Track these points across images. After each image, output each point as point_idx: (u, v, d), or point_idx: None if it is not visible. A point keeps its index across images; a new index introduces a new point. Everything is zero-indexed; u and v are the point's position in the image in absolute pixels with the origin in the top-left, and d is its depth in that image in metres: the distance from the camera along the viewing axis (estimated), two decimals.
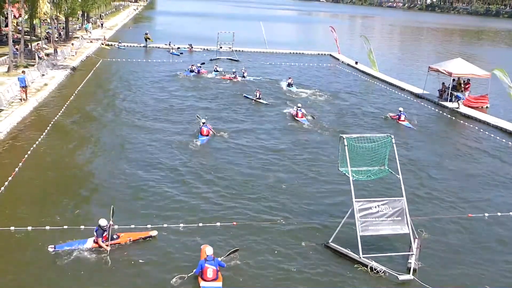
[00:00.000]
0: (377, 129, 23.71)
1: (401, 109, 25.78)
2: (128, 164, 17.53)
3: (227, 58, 43.58)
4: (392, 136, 12.97)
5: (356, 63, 44.38)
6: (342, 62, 46.39)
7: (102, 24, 66.41)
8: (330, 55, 50.81)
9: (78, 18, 63.12)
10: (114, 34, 59.73)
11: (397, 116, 25.41)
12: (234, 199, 15.21)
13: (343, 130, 22.65)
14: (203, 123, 20.86)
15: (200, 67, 36.57)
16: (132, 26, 73.53)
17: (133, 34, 58.89)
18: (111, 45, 49.42)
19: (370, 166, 13.02)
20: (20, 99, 24.78)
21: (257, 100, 27.69)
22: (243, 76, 34.71)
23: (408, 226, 12.36)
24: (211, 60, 42.43)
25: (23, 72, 26.12)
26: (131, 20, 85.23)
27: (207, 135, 20.50)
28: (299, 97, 29.86)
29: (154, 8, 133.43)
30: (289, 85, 32.42)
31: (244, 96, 28.63)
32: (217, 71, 36.57)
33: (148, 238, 12.55)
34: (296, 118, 24.43)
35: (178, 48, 48.41)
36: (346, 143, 12.46)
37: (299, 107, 25.00)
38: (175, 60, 42.27)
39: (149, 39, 50.02)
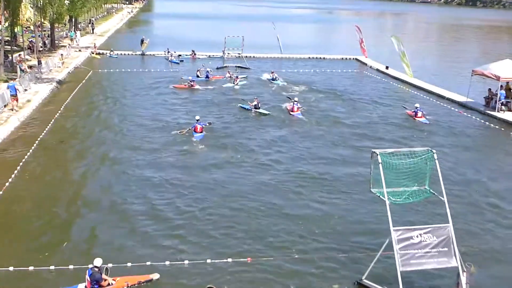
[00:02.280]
0: (396, 132, 25.65)
1: (417, 105, 28.55)
2: (121, 189, 17.68)
3: (236, 66, 43.89)
4: (434, 151, 12.81)
5: (387, 68, 44.39)
6: (371, 67, 46.53)
7: (93, 29, 67.45)
8: (356, 59, 50.96)
9: (65, 24, 64.24)
10: (106, 41, 60.66)
11: (414, 113, 27.90)
12: (245, 228, 15.16)
13: (368, 140, 23.60)
14: (197, 120, 23.60)
15: (208, 71, 37.90)
16: (127, 32, 74.60)
17: (127, 41, 59.73)
18: (102, 53, 50.21)
19: (408, 186, 12.86)
20: (11, 109, 26.69)
21: (256, 110, 28.45)
22: (233, 82, 35.68)
23: (456, 258, 12.11)
24: (217, 68, 42.86)
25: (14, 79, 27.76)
26: (125, 24, 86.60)
27: (201, 132, 23.34)
28: (290, 93, 32.77)
29: (151, 11, 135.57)
30: (273, 79, 36.84)
31: (240, 106, 29.45)
32: (229, 76, 38.02)
33: (148, 282, 12.43)
34: (291, 112, 27.79)
35: (179, 55, 48.92)
36: (380, 160, 12.34)
37: (295, 101, 28.37)
38: (175, 69, 42.69)
39: (145, 42, 50.65)
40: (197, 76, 37.80)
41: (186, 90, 34.10)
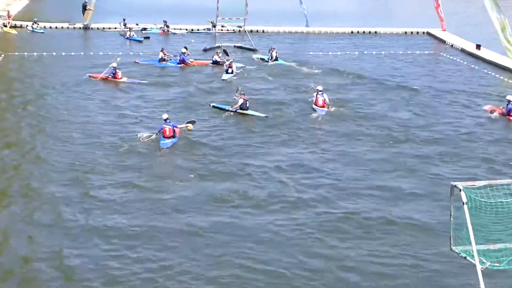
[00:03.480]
0: (489, 148, 25.54)
1: (510, 97, 29.38)
2: (30, 246, 17.61)
3: (235, 46, 43.92)
4: None
5: (478, 47, 44.47)
6: (452, 45, 46.79)
7: None
8: (428, 33, 51.39)
9: None
10: (26, 7, 61.19)
11: (506, 110, 29.07)
12: None
13: (446, 162, 23.77)
14: (165, 119, 25.32)
15: (184, 53, 38.70)
16: None
17: (60, 7, 60.03)
18: (21, 26, 50.57)
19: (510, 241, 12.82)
20: None
21: (242, 111, 28.94)
22: (229, 72, 36.18)
23: None
24: (205, 50, 43.35)
25: None
26: None
27: (172, 136, 25.00)
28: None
29: None
30: (275, 59, 40.23)
31: (213, 106, 30.14)
32: (216, 62, 38.60)
33: None
34: (314, 106, 29.70)
35: (143, 29, 49.42)
36: (465, 199, 12.19)
37: (319, 91, 30.03)
38: (138, 51, 42.86)
39: (89, 9, 50.81)
40: (162, 60, 38.41)
41: (144, 85, 34.22)
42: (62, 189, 21.10)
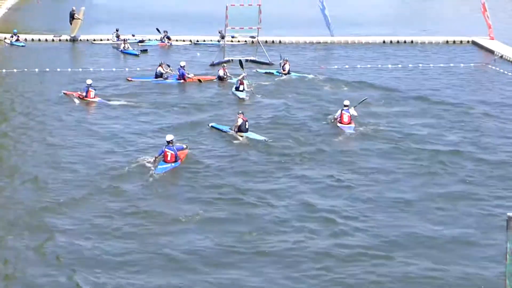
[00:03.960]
0: None
1: None
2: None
3: (247, 60, 43.77)
4: None
5: None
6: (501, 56, 46.68)
7: None
8: (473, 42, 51.40)
9: None
10: (4, 17, 61.57)
11: None
12: None
13: (502, 194, 23.37)
14: (168, 142, 25.59)
15: (182, 67, 39.03)
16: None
17: (44, 16, 60.39)
18: None
19: None
20: None
21: (240, 134, 29.02)
22: (240, 89, 36.26)
23: None
24: (212, 65, 43.63)
25: None
26: None
27: (174, 161, 25.21)
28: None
29: None
30: (288, 72, 41.27)
31: (212, 126, 30.52)
32: (221, 78, 39.16)
33: None
34: (340, 124, 30.22)
35: (140, 41, 49.78)
36: None
37: (345, 106, 30.51)
38: (134, 67, 43.05)
39: (77, 18, 50.96)
40: (158, 76, 38.68)
41: (133, 106, 34.19)
42: (26, 236, 20.26)
